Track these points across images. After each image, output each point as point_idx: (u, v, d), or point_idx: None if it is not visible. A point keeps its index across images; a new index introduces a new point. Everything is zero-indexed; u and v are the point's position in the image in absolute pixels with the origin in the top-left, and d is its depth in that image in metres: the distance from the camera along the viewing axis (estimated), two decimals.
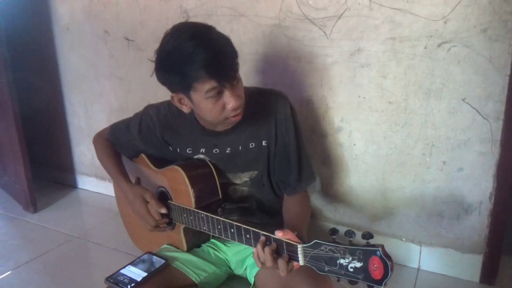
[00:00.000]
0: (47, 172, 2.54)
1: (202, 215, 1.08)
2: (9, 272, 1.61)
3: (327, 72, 1.50)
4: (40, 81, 2.35)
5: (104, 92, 2.13)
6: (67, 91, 2.29)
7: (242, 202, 1.22)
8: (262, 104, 1.15)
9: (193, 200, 1.12)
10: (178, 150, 1.22)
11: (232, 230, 1.00)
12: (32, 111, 2.40)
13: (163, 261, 1.13)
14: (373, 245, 0.72)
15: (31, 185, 2.07)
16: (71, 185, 2.46)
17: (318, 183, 1.64)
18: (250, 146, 1.16)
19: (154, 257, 1.16)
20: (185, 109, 1.08)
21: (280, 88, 1.56)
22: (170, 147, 1.23)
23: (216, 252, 1.25)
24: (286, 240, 0.87)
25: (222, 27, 1.63)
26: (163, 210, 1.16)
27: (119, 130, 1.32)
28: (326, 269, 0.78)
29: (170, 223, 1.22)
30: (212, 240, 1.26)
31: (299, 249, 0.84)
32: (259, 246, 0.91)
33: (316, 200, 1.66)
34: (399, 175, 1.48)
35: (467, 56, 1.27)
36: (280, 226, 1.21)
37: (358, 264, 0.73)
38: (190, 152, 1.20)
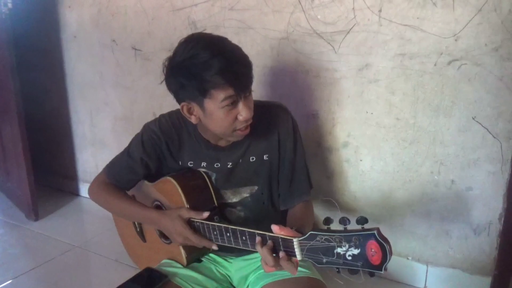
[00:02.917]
0: (50, 179, 2.53)
1: (197, 223, 1.06)
2: (9, 282, 1.60)
3: (334, 87, 1.48)
4: (46, 89, 2.36)
5: (110, 101, 2.13)
6: (72, 99, 2.29)
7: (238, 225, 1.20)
8: (263, 118, 1.13)
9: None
10: (180, 163, 1.19)
11: (228, 234, 0.99)
12: (37, 118, 2.40)
13: (163, 277, 1.10)
14: (369, 229, 0.70)
15: (34, 193, 2.06)
16: (74, 193, 2.45)
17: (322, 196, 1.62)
18: (251, 160, 1.15)
19: (154, 273, 1.13)
20: (194, 120, 1.06)
21: (287, 101, 1.55)
22: (173, 158, 1.19)
23: (218, 268, 1.22)
24: (281, 236, 0.85)
25: (230, 39, 1.63)
26: (206, 214, 1.07)
27: (117, 165, 1.24)
28: (324, 260, 0.77)
29: None
30: (213, 255, 1.23)
31: (295, 243, 0.82)
32: (257, 247, 0.89)
33: (321, 216, 1.64)
34: (406, 193, 1.46)
35: (477, 75, 1.25)
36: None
37: (356, 251, 0.71)
38: (192, 165, 1.18)
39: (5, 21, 1.87)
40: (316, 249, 0.78)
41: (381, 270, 0.69)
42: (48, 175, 2.53)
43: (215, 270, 1.22)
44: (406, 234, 1.50)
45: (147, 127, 1.20)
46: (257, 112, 1.10)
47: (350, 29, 1.40)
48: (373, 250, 0.69)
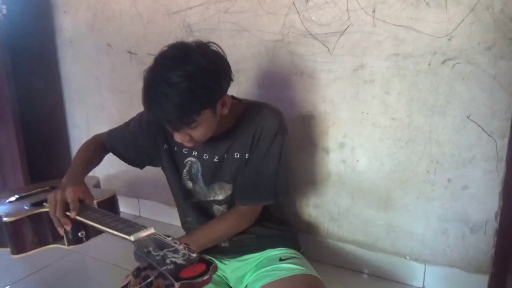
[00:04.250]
0: None
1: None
2: (7, 287, 1.59)
3: (330, 88, 1.49)
4: (42, 94, 2.35)
5: (106, 105, 2.13)
6: (69, 103, 2.29)
7: None
8: (253, 117, 1.13)
9: None
10: (176, 149, 1.20)
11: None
12: (33, 123, 2.39)
13: None
14: (210, 260, 0.63)
15: None
16: None
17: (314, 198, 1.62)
18: (235, 156, 1.15)
19: None
20: None
21: (282, 103, 1.57)
22: (165, 145, 1.21)
23: None
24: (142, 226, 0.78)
25: (225, 42, 1.64)
26: (74, 215, 0.96)
27: (117, 130, 1.32)
28: (146, 250, 0.66)
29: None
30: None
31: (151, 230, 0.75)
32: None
33: (319, 217, 1.64)
34: (403, 193, 1.46)
35: (471, 73, 1.26)
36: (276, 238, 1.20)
37: (180, 261, 0.62)
38: (186, 152, 1.19)
39: (0, 27, 1.87)
40: (154, 241, 0.70)
41: (177, 281, 0.59)
42: (45, 180, 2.51)
43: None
44: (403, 234, 1.50)
45: None
46: (250, 112, 1.13)
47: (345, 30, 1.41)
48: (195, 269, 0.61)
